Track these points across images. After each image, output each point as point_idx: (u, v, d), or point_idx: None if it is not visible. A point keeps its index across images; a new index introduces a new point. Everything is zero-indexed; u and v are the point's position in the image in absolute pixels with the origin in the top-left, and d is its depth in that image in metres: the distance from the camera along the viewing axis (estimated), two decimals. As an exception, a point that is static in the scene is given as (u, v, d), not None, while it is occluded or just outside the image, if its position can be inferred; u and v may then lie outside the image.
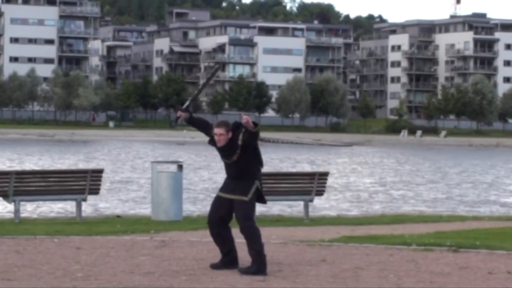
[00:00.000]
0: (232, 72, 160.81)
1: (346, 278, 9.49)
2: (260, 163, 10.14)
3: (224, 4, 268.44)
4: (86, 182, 17.30)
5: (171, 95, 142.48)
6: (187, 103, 10.52)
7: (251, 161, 10.01)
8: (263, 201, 10.21)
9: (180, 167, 18.56)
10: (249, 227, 10.05)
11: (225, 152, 10.05)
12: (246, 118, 9.43)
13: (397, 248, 12.22)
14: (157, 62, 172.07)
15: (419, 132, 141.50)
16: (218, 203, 10.20)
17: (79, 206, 17.34)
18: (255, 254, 9.98)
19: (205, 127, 10.27)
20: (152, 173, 18.40)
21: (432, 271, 10.05)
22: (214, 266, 10.18)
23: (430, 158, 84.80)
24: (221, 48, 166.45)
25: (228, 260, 10.24)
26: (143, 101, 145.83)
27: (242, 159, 9.88)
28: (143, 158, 65.19)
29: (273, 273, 9.79)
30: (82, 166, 48.97)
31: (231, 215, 9.89)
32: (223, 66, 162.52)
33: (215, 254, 10.53)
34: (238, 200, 9.93)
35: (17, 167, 46.23)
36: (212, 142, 10.10)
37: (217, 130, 9.96)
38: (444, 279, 9.48)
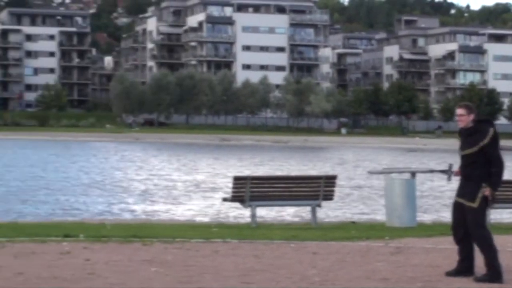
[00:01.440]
0: (463, 79, 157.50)
1: None
2: (496, 166, 9.80)
3: (452, 11, 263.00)
4: (320, 188, 17.50)
5: (402, 102, 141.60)
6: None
7: (484, 162, 9.68)
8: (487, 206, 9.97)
9: (413, 174, 18.36)
10: (480, 235, 9.78)
11: (465, 138, 9.82)
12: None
13: None
14: (387, 69, 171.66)
15: None
16: (455, 208, 10.02)
17: (313, 212, 17.57)
18: (489, 262, 9.73)
19: None
20: (385, 179, 18.34)
21: None
22: (449, 274, 10.04)
23: None
24: (450, 55, 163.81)
25: (464, 267, 10.03)
26: (374, 108, 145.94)
27: (476, 155, 9.60)
28: (375, 164, 64.77)
29: (510, 282, 9.51)
30: (315, 172, 49.61)
31: None
32: (453, 73, 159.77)
33: (450, 261, 10.39)
34: (467, 206, 9.71)
35: (252, 172, 47.53)
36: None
37: (458, 111, 9.87)
38: None
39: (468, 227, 9.72)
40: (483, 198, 9.65)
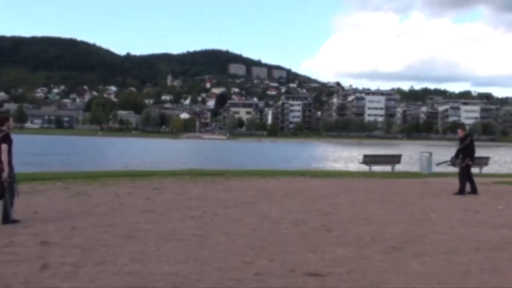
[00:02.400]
0: None
1: None
2: None
3: None
4: (395, 159, 20.07)
5: None
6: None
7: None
8: None
9: (430, 154, 21.11)
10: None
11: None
12: None
13: None
14: None
15: None
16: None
17: (393, 168, 21.42)
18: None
19: None
20: (420, 156, 21.31)
21: None
22: (455, 193, 12.19)
23: None
24: None
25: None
26: None
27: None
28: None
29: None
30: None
31: None
32: None
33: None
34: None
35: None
36: None
37: None
38: None
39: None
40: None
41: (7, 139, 7.29)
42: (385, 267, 5.39)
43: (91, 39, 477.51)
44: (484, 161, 22.21)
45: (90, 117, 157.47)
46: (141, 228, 7.29)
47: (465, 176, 12.10)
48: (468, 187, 12.10)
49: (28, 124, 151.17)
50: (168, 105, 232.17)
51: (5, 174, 7.22)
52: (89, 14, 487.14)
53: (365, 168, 22.20)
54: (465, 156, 12.09)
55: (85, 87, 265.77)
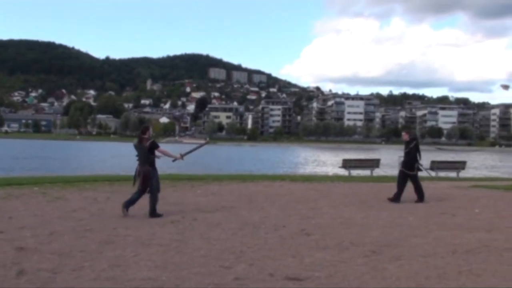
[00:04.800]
0: None
1: None
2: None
3: None
4: (374, 163, 20.13)
5: None
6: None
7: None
8: None
9: None
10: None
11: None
12: None
13: None
14: None
15: None
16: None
17: (371, 171, 21.27)
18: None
19: None
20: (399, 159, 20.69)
21: None
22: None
23: None
24: None
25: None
26: None
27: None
28: None
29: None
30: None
31: None
32: None
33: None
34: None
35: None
36: None
37: None
38: None
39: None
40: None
41: (155, 143, 8.67)
42: (364, 271, 5.43)
43: (70, 43, 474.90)
44: (461, 165, 22.60)
45: (68, 121, 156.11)
46: (120, 233, 7.22)
47: (402, 181, 11.53)
48: (408, 195, 11.73)
49: (4, 128, 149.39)
50: (147, 109, 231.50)
51: (177, 154, 9.02)
52: (68, 17, 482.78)
53: (344, 172, 22.30)
54: (411, 161, 11.55)
55: (64, 91, 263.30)
